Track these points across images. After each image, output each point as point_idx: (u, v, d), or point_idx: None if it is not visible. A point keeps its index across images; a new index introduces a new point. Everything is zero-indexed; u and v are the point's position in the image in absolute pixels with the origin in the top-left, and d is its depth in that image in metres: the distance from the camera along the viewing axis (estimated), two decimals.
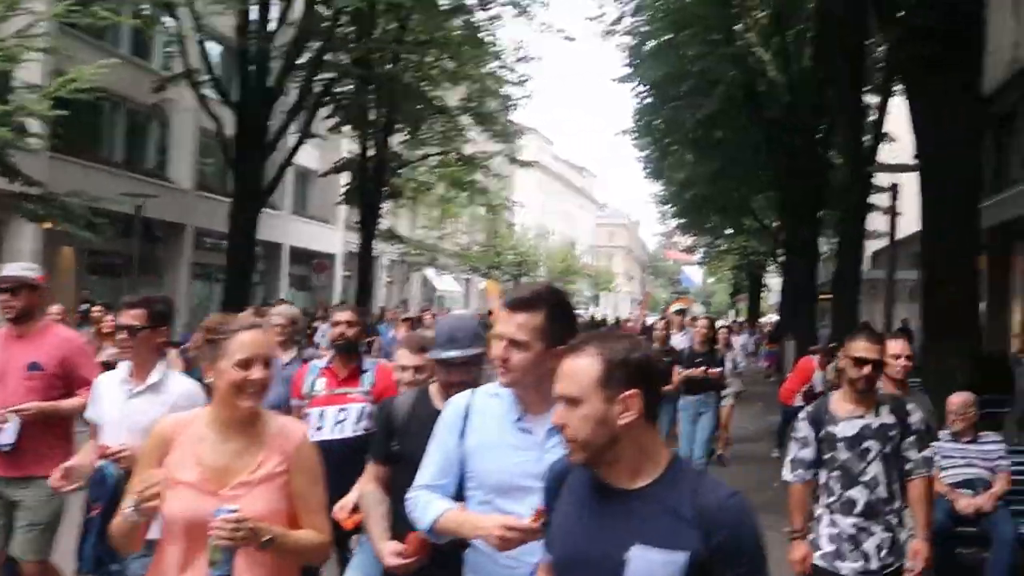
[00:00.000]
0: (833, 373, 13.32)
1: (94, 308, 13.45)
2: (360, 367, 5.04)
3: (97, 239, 18.50)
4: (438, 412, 3.04)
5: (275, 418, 2.88)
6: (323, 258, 36.73)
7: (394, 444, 3.46)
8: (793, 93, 21.92)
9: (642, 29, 24.35)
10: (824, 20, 18.87)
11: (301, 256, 35.81)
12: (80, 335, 6.31)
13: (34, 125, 16.45)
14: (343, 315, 5.14)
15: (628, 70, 26.17)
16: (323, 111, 26.22)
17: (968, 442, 6.54)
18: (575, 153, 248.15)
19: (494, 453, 2.70)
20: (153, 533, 2.81)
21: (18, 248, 19.81)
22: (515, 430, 2.68)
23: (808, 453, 4.25)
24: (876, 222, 22.06)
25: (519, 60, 29.06)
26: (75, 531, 4.05)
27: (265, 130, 21.53)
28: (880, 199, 20.35)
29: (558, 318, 2.66)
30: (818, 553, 4.22)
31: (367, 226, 27.79)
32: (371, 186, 27.57)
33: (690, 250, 53.56)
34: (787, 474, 4.35)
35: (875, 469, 4.10)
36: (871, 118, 19.61)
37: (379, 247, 37.26)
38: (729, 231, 41.19)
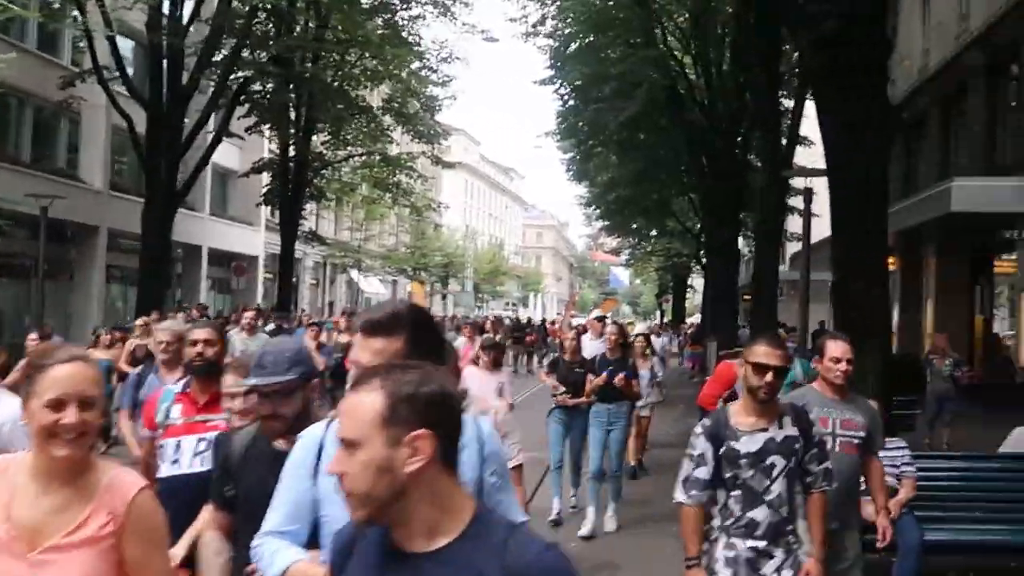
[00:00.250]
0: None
1: None
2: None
3: None
4: (276, 451, 2.77)
5: (110, 468, 2.40)
6: (245, 260, 36.01)
7: (228, 488, 3.07)
8: (713, 96, 22.19)
9: (564, 31, 24.37)
10: (741, 25, 19.11)
11: (221, 258, 35.06)
12: None
13: None
14: (200, 333, 4.50)
15: (550, 72, 26.17)
16: (243, 110, 25.73)
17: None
18: (502, 154, 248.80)
19: None
20: None
21: None
22: None
23: (704, 472, 3.85)
24: (796, 224, 22.46)
25: (442, 60, 28.94)
26: None
27: (179, 129, 20.96)
28: (799, 201, 20.73)
29: (421, 342, 2.36)
30: None
31: (288, 227, 27.31)
32: (292, 187, 27.11)
33: (616, 252, 53.95)
34: (680, 495, 3.92)
35: (779, 487, 3.78)
36: (789, 122, 19.91)
37: (303, 249, 36.76)
38: (653, 233, 41.61)
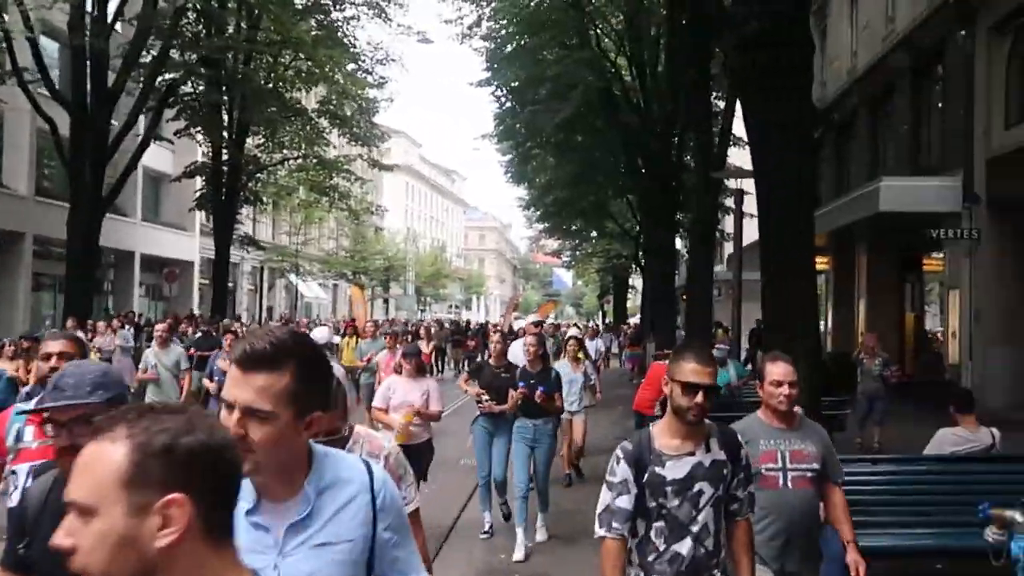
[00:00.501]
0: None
1: None
2: None
3: None
4: None
5: None
6: (180, 265, 35.26)
7: (21, 547, 2.53)
8: (647, 97, 22.28)
9: (499, 33, 24.29)
10: (674, 27, 19.20)
11: (155, 264, 34.29)
12: None
13: None
14: (55, 344, 3.97)
15: (487, 74, 26.07)
16: (174, 113, 25.18)
17: None
18: (443, 156, 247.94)
19: None
20: None
21: None
22: (246, 526, 1.98)
23: (626, 502, 3.38)
24: (732, 224, 22.66)
25: (378, 62, 28.68)
26: None
27: (105, 132, 20.42)
28: (732, 202, 20.92)
29: (310, 377, 2.02)
30: None
31: (222, 232, 26.79)
32: (225, 191, 26.60)
33: (556, 253, 54.05)
34: (600, 529, 3.43)
35: (706, 516, 3.39)
36: (721, 123, 20.05)
37: (240, 254, 36.15)
38: (593, 234, 41.77)
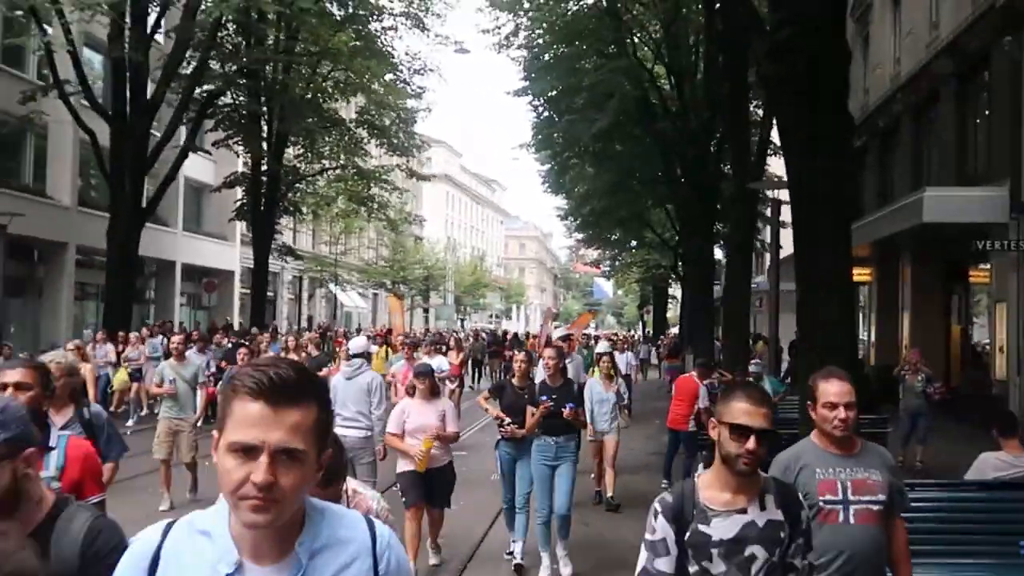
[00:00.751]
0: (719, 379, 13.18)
1: None
2: (47, 443, 3.52)
3: None
4: None
5: None
6: (221, 275, 35.57)
7: None
8: (685, 106, 22.02)
9: (536, 42, 24.20)
10: (712, 35, 18.95)
11: (196, 273, 34.62)
12: None
13: None
14: (11, 375, 3.65)
15: (524, 83, 25.97)
16: (213, 124, 25.42)
17: None
18: (483, 165, 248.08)
19: None
20: None
21: None
22: None
23: (666, 564, 2.93)
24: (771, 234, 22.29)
25: (415, 72, 28.73)
26: None
27: (144, 143, 20.62)
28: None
29: (329, 407, 1.82)
30: None
31: (261, 242, 26.96)
32: (264, 201, 26.78)
33: (596, 263, 53.70)
34: None
35: None
36: (759, 132, 19.74)
37: (280, 263, 36.40)
38: (632, 244, 41.47)
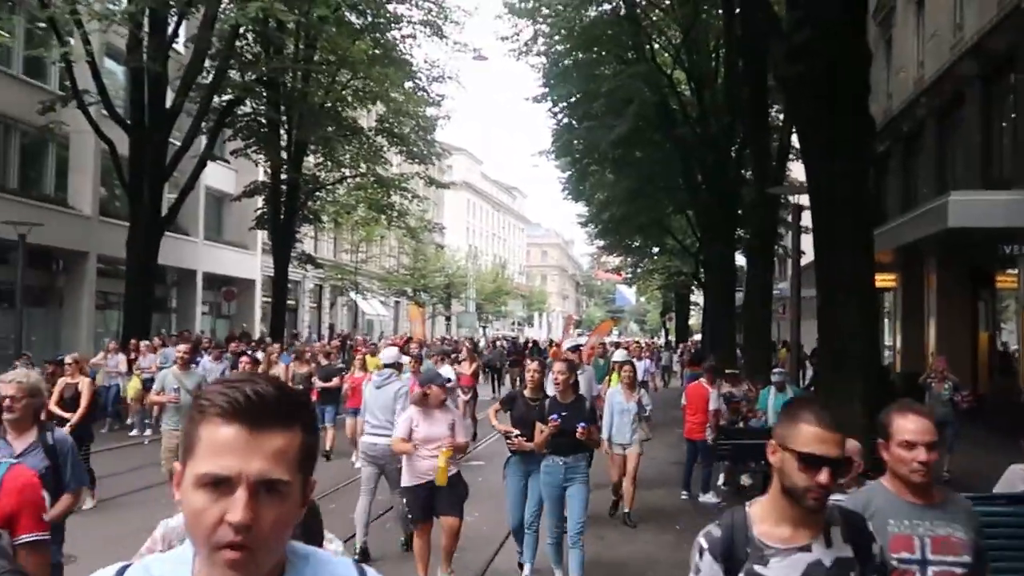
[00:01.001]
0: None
1: None
2: None
3: None
4: None
5: None
6: (242, 284, 35.69)
7: None
8: (705, 111, 21.83)
9: (555, 48, 24.11)
10: (731, 39, 18.76)
11: (217, 282, 34.70)
12: None
13: None
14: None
15: (544, 89, 25.89)
16: (235, 133, 25.48)
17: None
18: (504, 172, 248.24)
19: None
20: None
21: None
22: None
23: None
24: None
25: (434, 80, 28.68)
26: None
27: (163, 152, 20.67)
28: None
29: (315, 431, 1.52)
30: None
31: (281, 250, 26.98)
32: (285, 210, 26.80)
33: (617, 270, 53.43)
34: None
35: None
36: (779, 137, 19.50)
37: (302, 271, 36.46)
38: (654, 250, 41.28)
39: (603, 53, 23.32)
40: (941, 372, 12.70)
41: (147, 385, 16.54)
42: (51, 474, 4.29)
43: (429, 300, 54.27)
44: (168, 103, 21.15)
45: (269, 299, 34.84)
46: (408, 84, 28.40)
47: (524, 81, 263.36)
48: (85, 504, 9.36)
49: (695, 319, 60.70)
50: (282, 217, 26.88)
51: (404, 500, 7.45)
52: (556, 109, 26.44)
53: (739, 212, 21.93)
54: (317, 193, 29.88)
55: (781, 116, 20.38)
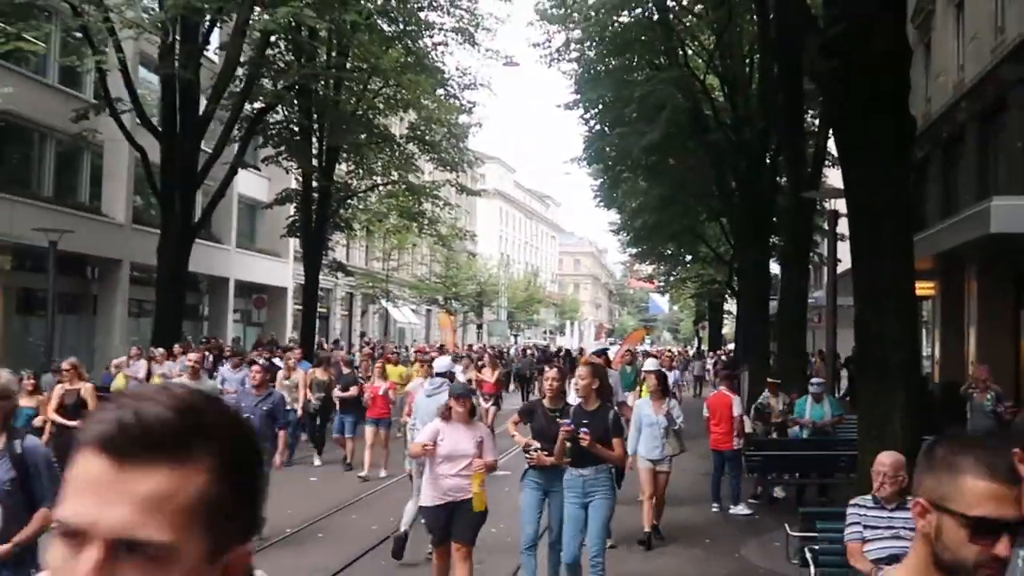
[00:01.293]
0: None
1: None
2: None
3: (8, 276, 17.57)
4: None
5: None
6: (274, 292, 35.79)
7: None
8: (739, 117, 21.51)
9: (588, 55, 23.91)
10: (765, 43, 18.46)
11: (249, 290, 34.82)
12: None
13: None
14: None
15: (575, 96, 25.69)
16: (263, 141, 25.52)
17: (894, 509, 5.47)
18: (536, 180, 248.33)
19: None
20: None
21: None
22: None
23: None
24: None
25: (465, 87, 28.57)
26: None
27: (194, 159, 20.72)
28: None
29: (238, 476, 1.03)
30: None
31: (312, 258, 26.97)
32: (316, 217, 26.79)
33: (650, 279, 53.01)
34: None
35: None
36: (815, 142, 19.16)
37: (333, 279, 36.48)
38: (687, 258, 40.92)
39: (635, 59, 23.08)
40: (983, 382, 12.32)
41: None
42: (18, 487, 3.97)
43: (460, 308, 54.16)
44: (200, 111, 21.23)
45: (299, 307, 34.94)
46: (440, 91, 28.30)
47: (556, 88, 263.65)
48: None
49: (728, 328, 60.13)
50: (313, 225, 26.86)
51: (424, 520, 7.17)
52: (588, 115, 26.23)
53: (773, 219, 21.55)
54: (348, 201, 29.84)
55: (816, 121, 20.03)
